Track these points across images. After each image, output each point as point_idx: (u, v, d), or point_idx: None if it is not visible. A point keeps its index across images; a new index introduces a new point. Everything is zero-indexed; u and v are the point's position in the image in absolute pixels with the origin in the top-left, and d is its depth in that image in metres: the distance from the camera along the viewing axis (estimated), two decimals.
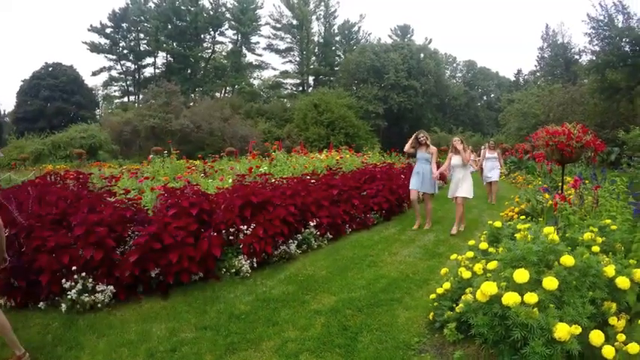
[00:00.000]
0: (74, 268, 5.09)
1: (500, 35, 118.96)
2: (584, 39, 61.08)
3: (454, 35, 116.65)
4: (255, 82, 70.77)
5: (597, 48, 28.13)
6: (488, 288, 3.33)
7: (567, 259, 3.43)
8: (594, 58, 28.45)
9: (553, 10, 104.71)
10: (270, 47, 68.84)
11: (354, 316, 4.73)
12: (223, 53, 68.98)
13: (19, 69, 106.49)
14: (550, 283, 3.22)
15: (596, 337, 3.07)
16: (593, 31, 27.79)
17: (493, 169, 13.90)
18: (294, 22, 66.34)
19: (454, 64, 75.92)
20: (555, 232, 3.94)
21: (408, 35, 70.90)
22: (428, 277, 6.02)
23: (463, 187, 9.05)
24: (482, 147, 16.28)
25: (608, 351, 2.99)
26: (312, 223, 7.77)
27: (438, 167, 9.67)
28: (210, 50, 67.92)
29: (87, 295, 5.02)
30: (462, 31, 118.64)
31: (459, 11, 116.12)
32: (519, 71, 72.09)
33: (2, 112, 59.96)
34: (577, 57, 50.82)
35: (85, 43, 63.07)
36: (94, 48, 63.47)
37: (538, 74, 60.42)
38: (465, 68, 75.37)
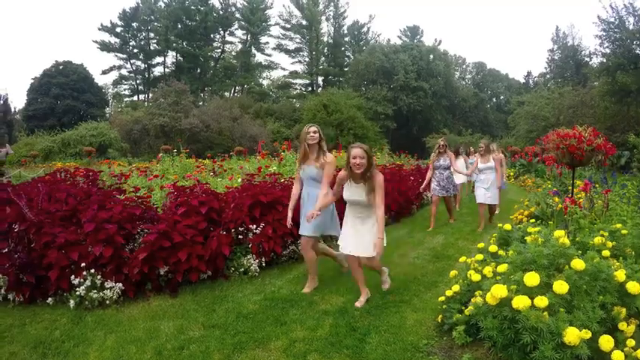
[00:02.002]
0: (83, 264, 5.11)
1: (510, 37, 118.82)
2: (595, 41, 60.78)
3: (464, 36, 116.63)
4: (265, 82, 71.20)
5: (608, 50, 27.97)
6: (499, 291, 3.31)
7: (578, 263, 3.41)
8: (605, 60, 28.26)
9: (563, 11, 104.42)
10: (279, 47, 69.23)
11: (362, 317, 4.72)
12: (233, 53, 69.35)
13: (29, 67, 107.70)
14: (561, 286, 3.20)
15: (606, 342, 3.04)
16: (604, 34, 27.63)
17: (484, 187, 9.81)
18: (304, 22, 66.53)
19: (464, 66, 75.84)
20: (566, 236, 3.92)
21: (418, 36, 70.98)
22: (436, 280, 6.00)
23: (364, 241, 4.98)
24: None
25: (618, 356, 2.97)
26: None
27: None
28: (219, 50, 68.26)
29: (95, 291, 5.03)
30: (472, 33, 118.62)
31: (468, 12, 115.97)
32: (529, 73, 72.22)
33: (13, 110, 60.43)
34: (587, 59, 50.58)
35: (96, 42, 63.81)
36: (105, 47, 63.97)
37: (548, 76, 60.26)
38: (475, 70, 75.26)
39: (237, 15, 67.08)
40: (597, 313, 3.20)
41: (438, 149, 10.27)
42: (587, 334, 2.96)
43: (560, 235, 3.85)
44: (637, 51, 25.82)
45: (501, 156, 11.73)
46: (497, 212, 10.88)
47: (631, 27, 26.71)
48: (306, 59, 69.16)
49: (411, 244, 8.20)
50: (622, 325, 3.31)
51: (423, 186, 10.64)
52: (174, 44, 64.48)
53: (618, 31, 26.82)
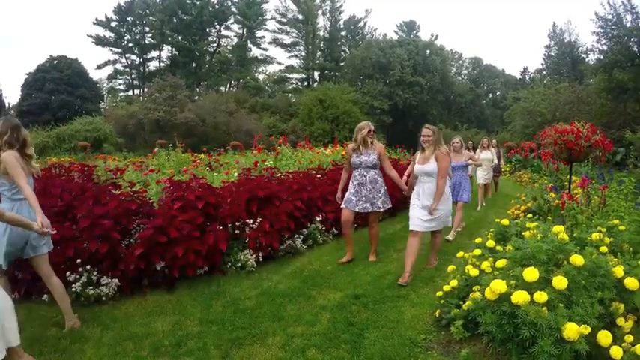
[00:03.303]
0: (79, 260, 5.07)
1: (506, 32, 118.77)
2: (592, 38, 61.14)
3: (460, 32, 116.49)
4: (260, 77, 70.82)
5: (605, 47, 28.07)
6: (498, 286, 3.32)
7: (577, 259, 3.42)
8: (602, 57, 28.32)
9: (560, 8, 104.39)
10: (275, 42, 68.82)
11: (360, 312, 4.72)
12: (228, 47, 68.97)
13: (23, 62, 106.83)
14: (560, 282, 3.21)
15: (604, 337, 3.06)
16: (601, 30, 27.71)
17: (417, 203, 6.04)
18: (300, 16, 66.25)
19: (460, 61, 75.63)
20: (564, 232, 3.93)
21: (414, 31, 70.74)
22: (434, 274, 6.00)
23: None
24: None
25: (616, 351, 2.99)
26: (318, 218, 7.75)
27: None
28: (215, 44, 67.91)
29: (91, 287, 5.00)
30: (469, 28, 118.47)
31: (465, 8, 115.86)
32: (525, 69, 72.04)
33: (7, 105, 60.10)
34: (584, 56, 50.67)
35: (90, 36, 63.21)
36: (99, 41, 63.52)
37: (544, 72, 60.31)
38: (471, 65, 75.08)
39: (233, 9, 66.70)
40: (596, 309, 3.22)
41: (364, 137, 6.58)
42: (586, 330, 2.98)
43: (560, 231, 3.85)
44: (634, 48, 25.88)
45: (470, 153, 9.85)
46: (452, 236, 8.30)
47: (628, 24, 26.79)
48: (302, 54, 68.93)
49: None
50: (620, 321, 3.33)
51: (338, 194, 6.89)
52: (169, 38, 64.12)
53: (615, 28, 26.88)
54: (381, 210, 6.73)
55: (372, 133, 6.62)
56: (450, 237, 8.15)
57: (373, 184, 6.58)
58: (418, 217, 5.97)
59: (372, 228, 6.92)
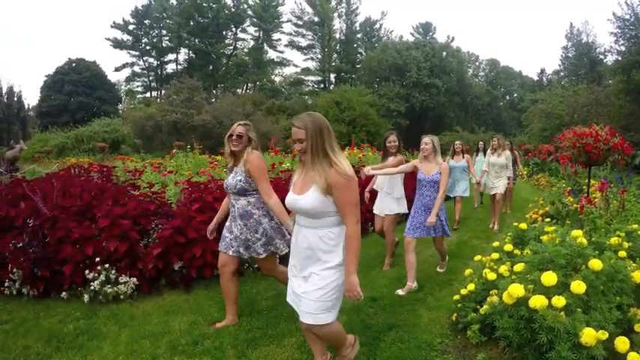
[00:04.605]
0: (98, 259, 5.14)
1: (523, 34, 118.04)
2: (610, 38, 60.45)
3: (477, 33, 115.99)
4: (277, 79, 71.12)
5: (623, 48, 27.74)
6: (516, 290, 3.30)
7: (595, 263, 3.39)
8: (620, 58, 27.99)
9: (578, 8, 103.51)
10: (291, 44, 69.17)
11: (376, 315, 4.71)
12: (245, 50, 69.42)
13: (42, 64, 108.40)
14: (578, 287, 3.18)
15: (622, 343, 3.02)
16: (619, 31, 27.42)
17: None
18: (316, 19, 66.47)
19: (477, 63, 75.24)
20: (583, 236, 3.90)
21: (430, 33, 70.56)
22: (450, 278, 5.97)
23: None
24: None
25: (633, 358, 2.94)
26: None
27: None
28: (231, 47, 68.36)
29: (110, 286, 5.06)
30: (485, 30, 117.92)
31: (481, 9, 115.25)
32: (543, 71, 71.61)
33: (26, 107, 60.99)
34: (602, 57, 50.14)
35: (108, 39, 64.16)
36: (117, 44, 64.36)
37: (562, 74, 59.78)
38: (488, 67, 74.64)
39: (249, 12, 67.13)
40: (614, 314, 3.19)
41: (237, 141, 4.50)
42: (604, 335, 2.94)
43: (578, 235, 3.82)
44: None
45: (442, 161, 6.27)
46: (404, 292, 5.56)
47: None
48: (319, 56, 69.12)
49: (425, 242, 8.09)
50: (638, 327, 3.29)
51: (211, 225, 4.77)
52: (186, 41, 64.68)
53: (634, 29, 26.56)
54: (262, 257, 4.42)
55: (234, 137, 4.39)
56: (401, 291, 5.49)
57: (244, 218, 4.30)
58: None
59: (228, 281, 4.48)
